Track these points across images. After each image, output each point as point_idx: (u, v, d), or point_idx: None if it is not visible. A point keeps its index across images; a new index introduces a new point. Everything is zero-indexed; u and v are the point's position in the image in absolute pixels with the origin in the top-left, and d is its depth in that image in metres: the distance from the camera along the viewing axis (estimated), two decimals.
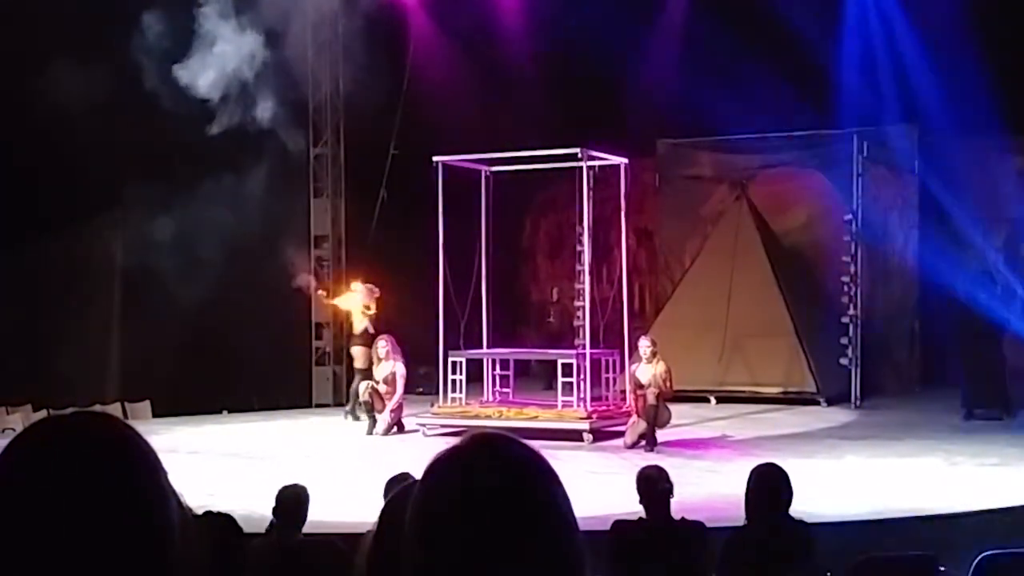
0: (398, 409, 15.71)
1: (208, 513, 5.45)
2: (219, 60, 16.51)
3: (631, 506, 7.54)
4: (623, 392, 15.15)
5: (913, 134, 19.61)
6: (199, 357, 17.20)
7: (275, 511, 7.06)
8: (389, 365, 15.72)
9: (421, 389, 17.50)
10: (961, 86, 17.57)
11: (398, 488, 2.26)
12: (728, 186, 20.26)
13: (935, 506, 10.05)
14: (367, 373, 16.20)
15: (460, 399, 15.56)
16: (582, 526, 1.71)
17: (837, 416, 16.81)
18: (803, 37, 17.86)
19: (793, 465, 7.62)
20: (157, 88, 16.19)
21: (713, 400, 18.27)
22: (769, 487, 6.75)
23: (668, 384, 14.03)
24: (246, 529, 6.27)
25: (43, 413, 11.55)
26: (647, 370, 14.04)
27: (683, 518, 7.26)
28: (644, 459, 11.44)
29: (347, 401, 17.39)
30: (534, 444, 1.73)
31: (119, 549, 1.55)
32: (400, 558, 1.69)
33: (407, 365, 15.88)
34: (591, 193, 15.26)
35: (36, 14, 15.64)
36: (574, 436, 14.12)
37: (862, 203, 18.02)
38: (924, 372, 19.76)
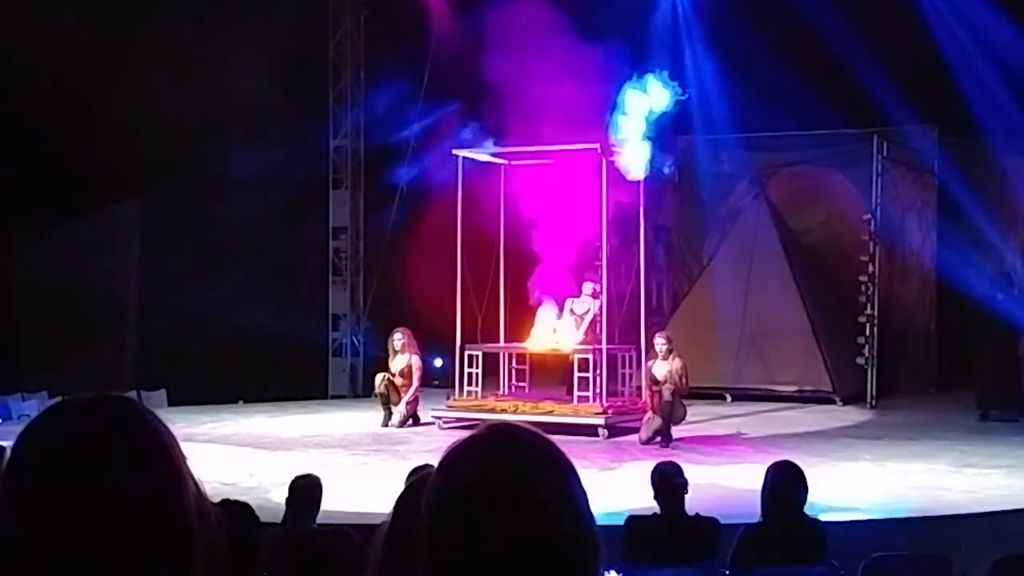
0: (414, 402, 15.71)
1: (225, 501, 5.46)
2: None
3: (646, 502, 7.55)
4: (639, 388, 15.14)
5: (933, 135, 19.53)
6: (215, 346, 17.23)
7: (289, 500, 7.08)
8: (405, 358, 15.72)
9: (437, 382, 17.51)
10: (981, 87, 17.49)
11: (414, 478, 2.26)
12: (747, 183, 20.17)
13: (949, 506, 10.03)
14: None
15: (476, 392, 15.56)
16: (596, 521, 1.72)
17: (852, 415, 16.76)
18: (825, 35, 17.77)
19: (808, 463, 7.62)
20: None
21: (729, 397, 18.23)
22: (785, 485, 6.76)
23: (684, 381, 14.01)
24: (261, 518, 6.28)
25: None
26: (663, 366, 14.03)
27: (697, 514, 7.27)
28: (659, 455, 11.46)
29: None
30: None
31: (137, 533, 1.56)
32: (415, 547, 1.70)
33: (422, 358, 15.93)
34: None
35: None
36: (589, 431, 14.11)
37: (881, 203, 17.96)
38: (940, 373, 19.68)
